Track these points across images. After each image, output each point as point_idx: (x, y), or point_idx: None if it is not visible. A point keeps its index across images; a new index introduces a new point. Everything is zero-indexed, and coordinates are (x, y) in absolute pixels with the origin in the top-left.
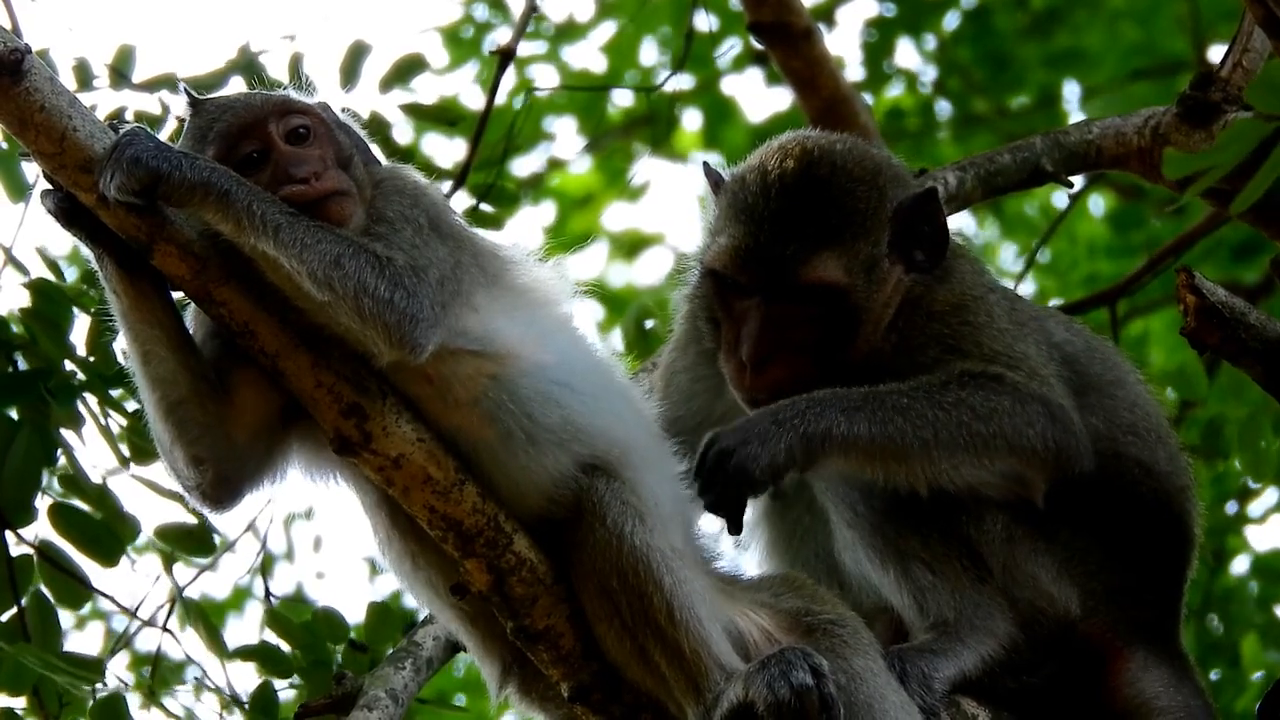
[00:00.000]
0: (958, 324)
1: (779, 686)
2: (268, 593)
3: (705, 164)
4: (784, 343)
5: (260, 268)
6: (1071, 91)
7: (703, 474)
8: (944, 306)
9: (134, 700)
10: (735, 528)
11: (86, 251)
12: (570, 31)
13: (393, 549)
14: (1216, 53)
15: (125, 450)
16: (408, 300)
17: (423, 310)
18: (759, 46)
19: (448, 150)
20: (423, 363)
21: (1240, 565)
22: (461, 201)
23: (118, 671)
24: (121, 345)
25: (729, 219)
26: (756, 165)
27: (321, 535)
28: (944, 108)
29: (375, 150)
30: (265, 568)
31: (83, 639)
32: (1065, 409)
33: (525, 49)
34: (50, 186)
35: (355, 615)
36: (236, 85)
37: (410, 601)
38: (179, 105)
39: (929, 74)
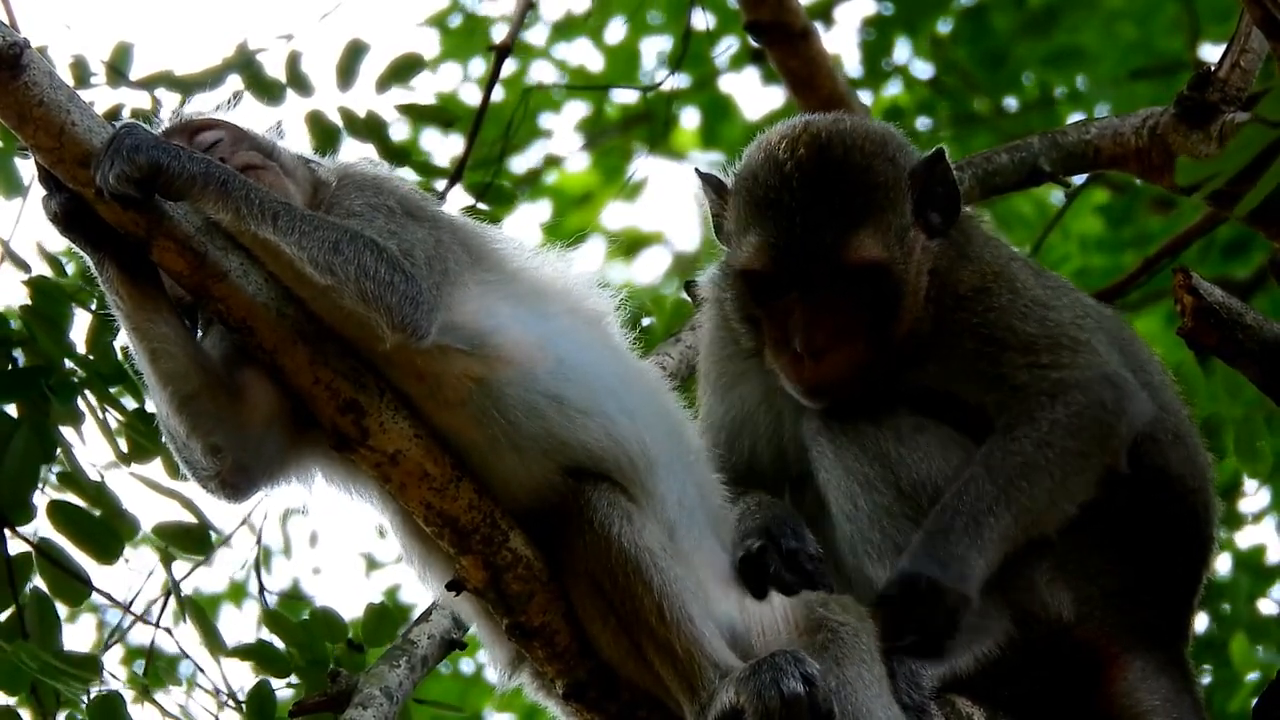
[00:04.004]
0: (984, 310)
1: (769, 694)
2: (262, 589)
3: (698, 170)
4: (836, 329)
5: (260, 257)
6: (1069, 91)
7: (913, 613)
8: (968, 290)
9: (128, 696)
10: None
11: (87, 259)
12: (568, 28)
13: (406, 544)
14: (1209, 51)
15: (124, 447)
16: (406, 282)
17: (421, 292)
18: (757, 45)
19: (445, 148)
20: (425, 347)
21: (1224, 563)
22: (459, 200)
23: (111, 667)
24: (122, 343)
25: (752, 218)
26: (765, 159)
27: (318, 531)
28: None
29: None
30: (261, 564)
31: (74, 632)
32: (1119, 373)
33: (523, 47)
34: (47, 191)
35: (351, 611)
36: (233, 83)
37: (407, 597)
38: (172, 102)
39: (925, 74)
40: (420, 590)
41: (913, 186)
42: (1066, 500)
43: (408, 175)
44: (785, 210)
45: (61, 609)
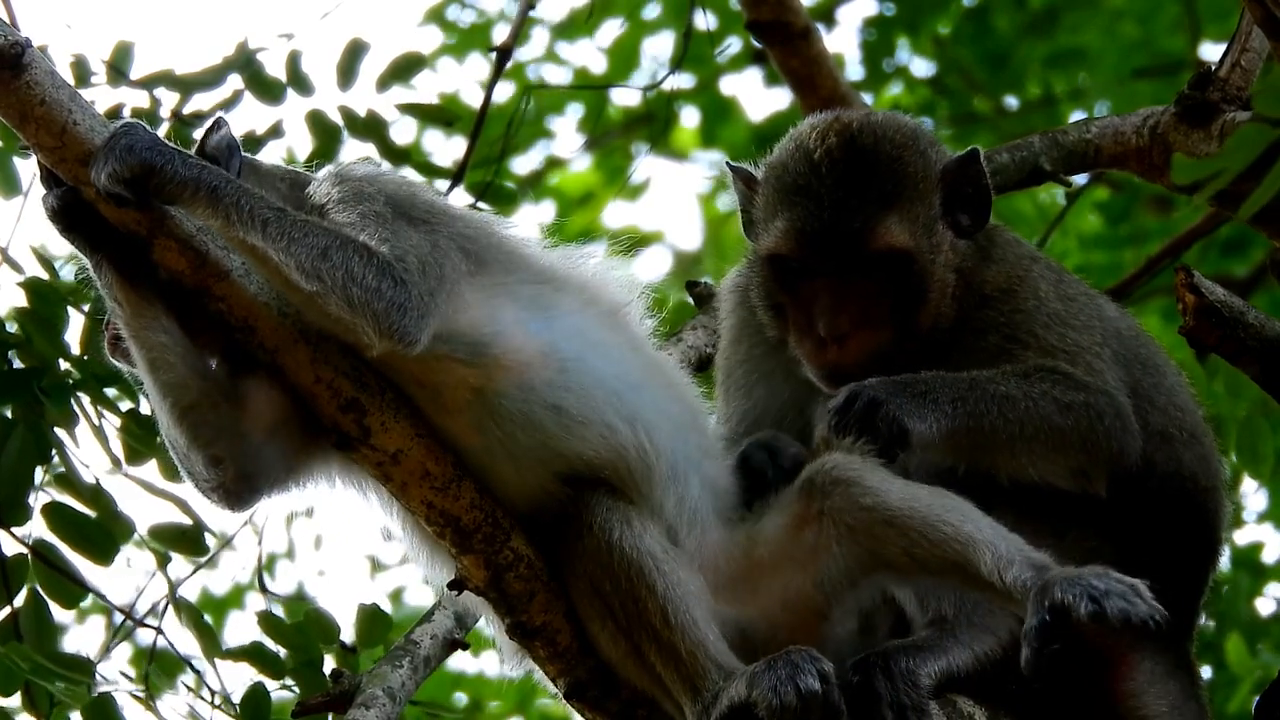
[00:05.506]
0: (1010, 311)
1: (784, 690)
2: (263, 590)
3: (729, 162)
4: (859, 315)
5: (250, 263)
6: (1070, 91)
7: (848, 420)
8: (994, 290)
9: (127, 699)
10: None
11: (86, 262)
12: (569, 29)
13: (413, 542)
14: (1210, 50)
15: (119, 450)
16: (395, 288)
17: (410, 299)
18: (758, 45)
19: (447, 148)
20: (416, 354)
21: (1223, 561)
22: (459, 200)
23: (116, 667)
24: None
25: (780, 204)
26: (795, 149)
27: (322, 533)
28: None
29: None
30: (264, 566)
31: (84, 632)
32: (1126, 408)
33: (524, 47)
34: (46, 190)
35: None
36: (234, 83)
37: (412, 600)
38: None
39: (926, 74)
40: (426, 592)
41: (943, 183)
42: (1026, 455)
43: (410, 175)
44: (813, 195)
45: (70, 610)
